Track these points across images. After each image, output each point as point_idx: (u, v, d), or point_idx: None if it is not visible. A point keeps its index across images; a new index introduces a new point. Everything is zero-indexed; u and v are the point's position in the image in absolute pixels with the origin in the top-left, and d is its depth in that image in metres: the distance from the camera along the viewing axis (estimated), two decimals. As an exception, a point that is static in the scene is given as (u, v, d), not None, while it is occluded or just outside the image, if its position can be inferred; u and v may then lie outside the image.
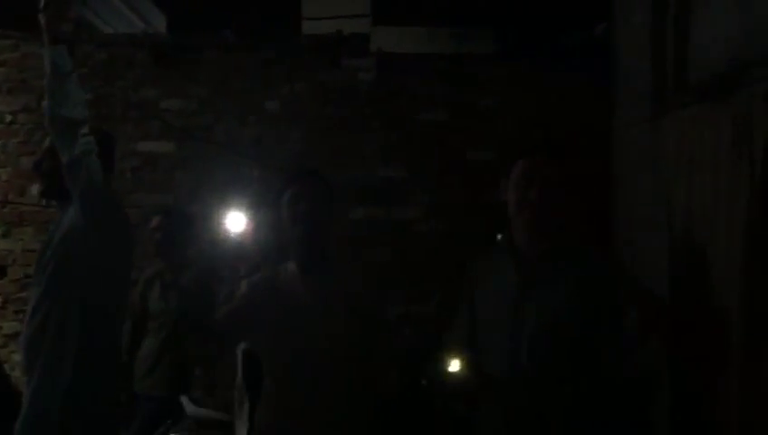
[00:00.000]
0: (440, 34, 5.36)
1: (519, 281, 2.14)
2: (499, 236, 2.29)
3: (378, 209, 5.01)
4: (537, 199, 2.10)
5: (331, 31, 5.18)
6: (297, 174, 2.42)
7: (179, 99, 5.13)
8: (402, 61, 5.10)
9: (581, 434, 2.06)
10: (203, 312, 2.18)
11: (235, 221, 2.24)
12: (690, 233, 2.99)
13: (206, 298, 2.19)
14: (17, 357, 4.30)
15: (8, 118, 5.14)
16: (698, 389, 2.73)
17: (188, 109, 5.12)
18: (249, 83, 5.11)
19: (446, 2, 5.29)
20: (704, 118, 3.11)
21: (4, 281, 5.05)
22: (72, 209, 2.46)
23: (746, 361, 2.44)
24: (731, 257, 2.59)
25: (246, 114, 5.09)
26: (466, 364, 2.09)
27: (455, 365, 2.10)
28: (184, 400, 3.68)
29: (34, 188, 4.59)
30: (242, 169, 4.89)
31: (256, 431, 2.34)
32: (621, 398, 2.18)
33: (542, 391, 2.04)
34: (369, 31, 5.43)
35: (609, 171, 4.72)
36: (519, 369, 2.05)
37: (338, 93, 5.09)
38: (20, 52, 5.15)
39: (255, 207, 2.25)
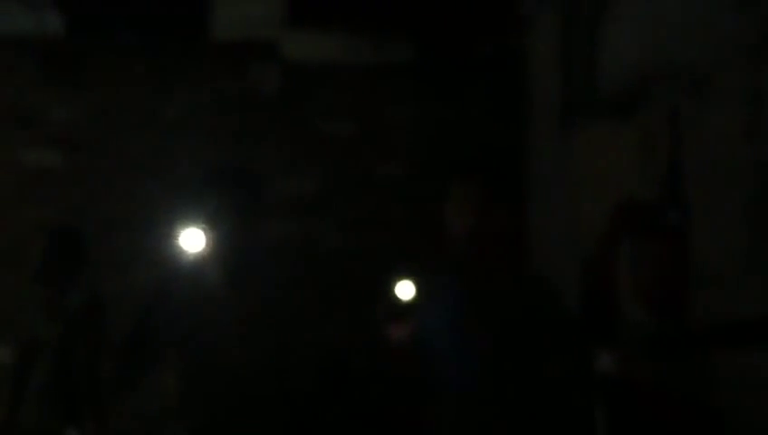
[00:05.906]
0: (358, 43, 5.40)
1: (464, 298, 2.23)
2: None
3: (287, 223, 5.03)
4: (479, 228, 2.20)
5: (242, 33, 5.19)
6: (219, 176, 2.19)
7: (66, 107, 4.99)
8: (311, 70, 5.19)
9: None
10: None
11: (192, 239, 2.01)
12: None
13: None
14: None
15: None
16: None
17: (76, 118, 4.98)
18: (146, 90, 5.05)
19: (366, 7, 5.35)
20: (611, 133, 3.38)
21: None
22: None
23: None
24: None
25: (143, 124, 5.01)
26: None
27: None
28: None
29: None
30: (138, 185, 4.85)
31: None
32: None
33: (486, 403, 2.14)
34: (278, 36, 5.37)
35: (522, 186, 4.95)
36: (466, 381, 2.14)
37: (241, 103, 5.12)
38: None
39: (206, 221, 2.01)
